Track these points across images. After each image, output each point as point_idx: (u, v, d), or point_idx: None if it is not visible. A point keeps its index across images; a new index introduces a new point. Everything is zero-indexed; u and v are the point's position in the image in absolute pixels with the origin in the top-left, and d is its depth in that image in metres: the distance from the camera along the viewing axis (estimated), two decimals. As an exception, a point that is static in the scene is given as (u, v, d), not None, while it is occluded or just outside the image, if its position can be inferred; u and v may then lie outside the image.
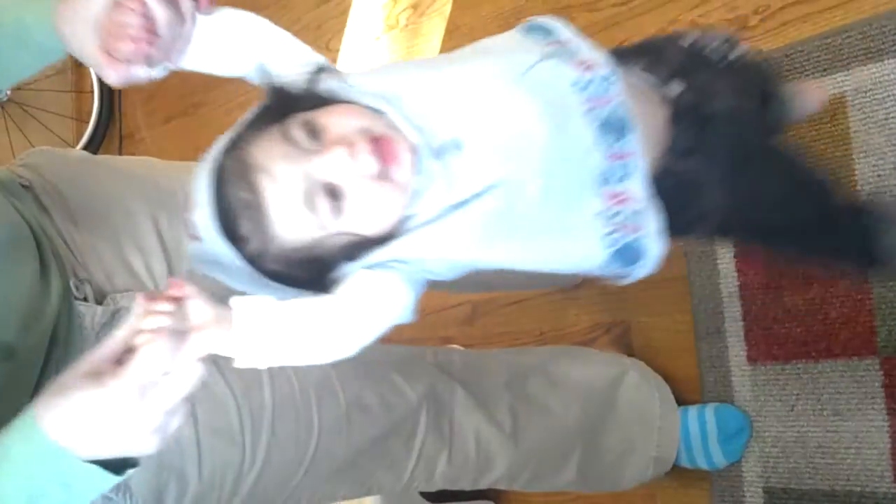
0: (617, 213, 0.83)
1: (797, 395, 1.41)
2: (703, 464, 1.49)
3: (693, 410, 1.50)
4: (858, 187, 1.34)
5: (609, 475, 1.46)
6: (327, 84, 0.81)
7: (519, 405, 1.35)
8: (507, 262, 0.84)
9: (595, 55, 0.85)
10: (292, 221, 0.76)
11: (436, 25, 2.08)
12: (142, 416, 0.71)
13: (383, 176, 0.75)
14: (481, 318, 1.93)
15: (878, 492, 1.33)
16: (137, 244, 1.09)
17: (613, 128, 0.82)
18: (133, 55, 0.80)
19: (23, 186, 1.04)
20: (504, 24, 1.91)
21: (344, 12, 2.34)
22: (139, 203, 1.11)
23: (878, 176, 1.32)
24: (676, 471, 1.51)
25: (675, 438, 1.49)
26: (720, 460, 1.48)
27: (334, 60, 2.36)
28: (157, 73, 0.83)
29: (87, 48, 0.82)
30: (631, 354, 1.63)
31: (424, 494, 1.70)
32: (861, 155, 1.33)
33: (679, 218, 0.88)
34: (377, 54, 2.23)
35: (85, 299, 1.01)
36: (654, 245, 0.85)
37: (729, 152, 0.92)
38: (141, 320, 0.71)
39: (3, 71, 0.90)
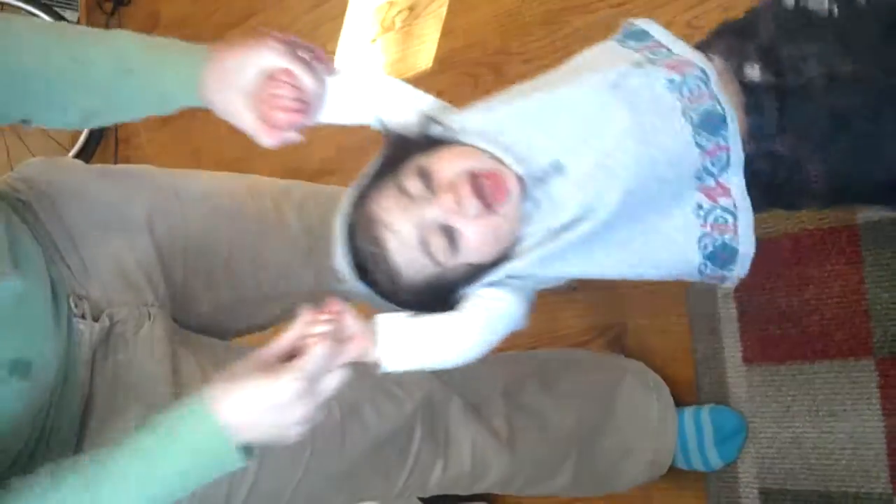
0: (713, 209, 0.90)
1: (793, 395, 1.41)
2: (698, 465, 1.49)
3: (689, 412, 1.50)
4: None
5: (604, 479, 1.46)
6: (436, 128, 0.91)
7: (515, 414, 1.35)
8: (609, 272, 0.93)
9: (687, 53, 0.91)
10: (413, 264, 0.88)
11: (431, 28, 2.08)
12: (303, 408, 0.84)
13: (490, 211, 0.85)
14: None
15: (873, 493, 1.33)
16: (135, 256, 1.09)
17: (711, 123, 0.88)
18: (288, 124, 0.89)
19: (20, 201, 1.04)
20: (499, 27, 1.91)
21: (340, 15, 2.34)
22: (136, 214, 1.11)
23: None
24: (672, 472, 1.51)
25: (672, 442, 1.49)
26: (716, 462, 1.48)
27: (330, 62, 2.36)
28: (298, 135, 0.92)
29: (242, 116, 0.91)
30: (627, 356, 1.63)
31: (423, 500, 1.70)
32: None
33: (781, 196, 0.95)
34: (373, 57, 2.24)
35: (83, 316, 1.01)
36: (747, 244, 0.91)
37: (822, 122, 0.92)
38: (308, 328, 0.84)
39: (126, 113, 0.98)
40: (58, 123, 0.98)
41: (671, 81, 0.88)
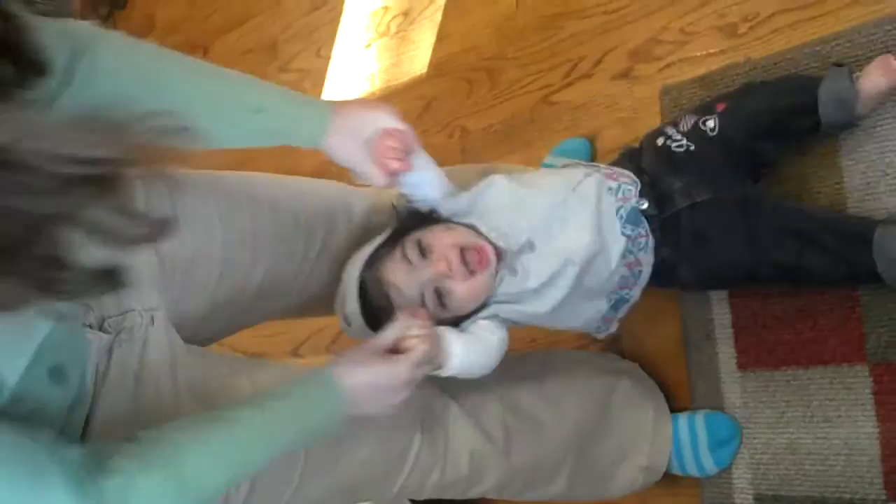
0: (628, 275, 1.23)
1: (787, 401, 1.41)
2: (693, 471, 1.49)
3: (683, 418, 1.50)
4: (847, 195, 1.34)
5: (599, 485, 1.45)
6: (437, 210, 1.20)
7: (512, 420, 1.35)
8: (539, 322, 1.25)
9: (618, 169, 1.25)
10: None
11: (426, 33, 2.08)
12: (405, 392, 1.07)
13: (473, 276, 1.13)
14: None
15: (867, 499, 1.33)
16: (137, 259, 1.08)
17: (635, 217, 1.21)
18: (399, 168, 1.11)
19: None
20: (494, 33, 1.91)
21: (335, 19, 2.34)
22: None
23: (867, 183, 1.32)
24: (667, 478, 1.50)
25: (666, 448, 1.49)
26: (710, 468, 1.48)
27: (325, 67, 2.36)
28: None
29: (362, 161, 1.11)
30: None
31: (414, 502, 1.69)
32: (850, 162, 1.34)
33: (669, 281, 1.29)
34: (368, 61, 2.24)
35: (90, 326, 1.01)
36: (636, 295, 1.28)
37: (687, 239, 1.24)
38: (408, 328, 1.08)
39: (231, 143, 1.11)
40: None
41: (609, 188, 1.21)
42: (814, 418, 1.39)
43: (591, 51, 1.72)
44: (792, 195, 1.37)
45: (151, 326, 1.06)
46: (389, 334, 1.08)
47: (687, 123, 1.28)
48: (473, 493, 1.36)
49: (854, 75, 1.24)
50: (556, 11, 1.79)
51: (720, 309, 1.48)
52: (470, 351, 1.15)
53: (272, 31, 2.56)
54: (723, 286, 1.43)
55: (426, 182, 1.19)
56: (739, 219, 1.22)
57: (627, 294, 1.26)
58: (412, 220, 1.20)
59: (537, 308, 1.19)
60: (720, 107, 1.27)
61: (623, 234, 1.20)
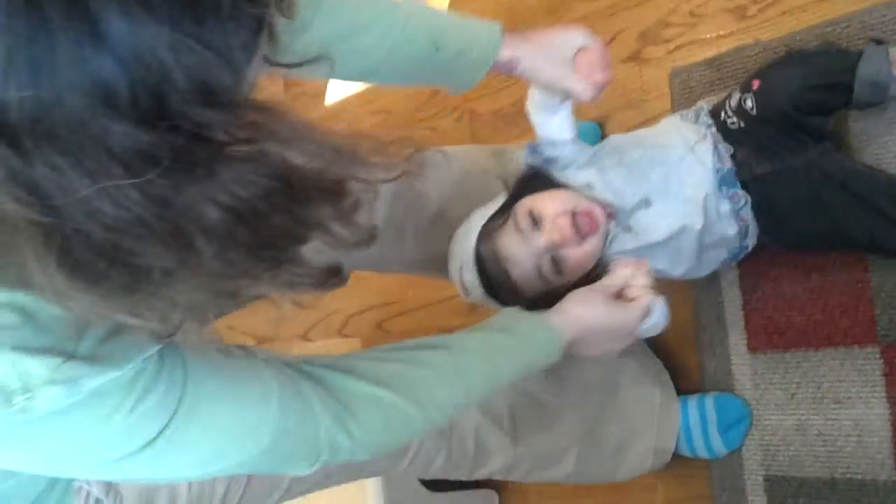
0: (739, 229, 1.28)
1: (797, 383, 1.42)
2: (703, 453, 1.49)
3: (693, 400, 1.51)
4: None
5: (607, 467, 1.46)
6: (556, 165, 1.26)
7: (518, 403, 1.36)
8: (674, 274, 1.29)
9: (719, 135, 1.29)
10: (534, 285, 1.18)
11: (435, 16, 2.07)
12: (631, 338, 1.14)
13: (585, 240, 1.16)
14: (477, 311, 1.93)
15: (878, 480, 1.33)
16: None
17: (729, 180, 1.26)
18: (607, 79, 1.20)
19: None
20: (504, 15, 1.91)
21: (343, 3, 2.33)
22: None
23: (878, 163, 1.32)
24: (676, 459, 1.51)
25: (674, 430, 1.49)
26: (720, 449, 1.48)
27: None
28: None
29: (563, 78, 1.20)
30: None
31: (425, 483, 1.71)
32: (863, 143, 1.33)
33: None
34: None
35: None
36: (751, 245, 1.33)
37: (763, 209, 1.27)
38: (635, 278, 1.12)
39: (404, 81, 1.27)
40: (334, 75, 1.23)
41: (716, 148, 1.26)
42: (824, 400, 1.39)
43: (600, 33, 1.69)
44: (857, 151, 1.34)
45: None
46: (616, 281, 1.12)
47: (734, 101, 1.29)
48: (480, 475, 1.36)
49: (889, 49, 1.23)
50: (566, -7, 1.78)
51: (730, 291, 1.48)
52: (659, 310, 1.17)
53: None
54: (808, 248, 1.38)
55: (563, 119, 1.27)
56: (805, 190, 1.24)
57: (745, 243, 1.31)
58: (523, 186, 1.23)
59: (657, 263, 1.23)
60: (755, 84, 1.27)
61: (723, 192, 1.26)
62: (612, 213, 1.21)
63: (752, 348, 1.46)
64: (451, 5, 2.04)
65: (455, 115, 2.02)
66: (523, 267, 1.17)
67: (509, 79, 1.89)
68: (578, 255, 1.16)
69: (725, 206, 1.25)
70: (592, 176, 1.24)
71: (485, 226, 1.21)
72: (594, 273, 1.18)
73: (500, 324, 1.08)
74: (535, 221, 1.16)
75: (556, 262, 1.16)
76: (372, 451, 0.92)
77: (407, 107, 2.14)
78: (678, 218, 1.23)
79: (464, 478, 1.37)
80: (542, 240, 1.15)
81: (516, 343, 1.05)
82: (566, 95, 1.23)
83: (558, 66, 1.19)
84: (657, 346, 1.58)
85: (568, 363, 1.44)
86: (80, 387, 0.66)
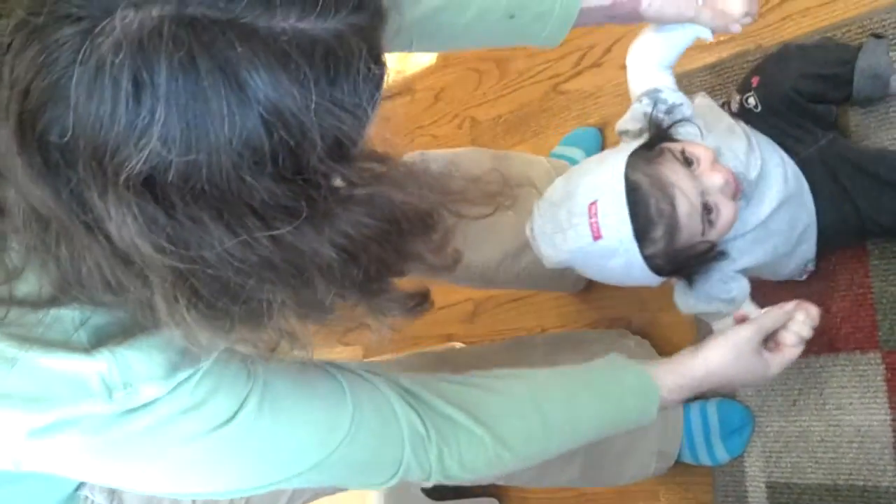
0: None
1: (799, 389, 1.41)
2: (705, 459, 1.49)
3: (695, 406, 1.50)
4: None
5: (611, 471, 1.46)
6: (680, 127, 1.13)
7: None
8: (769, 267, 1.24)
9: None
10: (692, 229, 1.04)
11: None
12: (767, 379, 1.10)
13: (734, 197, 1.06)
14: (482, 315, 1.94)
15: (880, 486, 1.33)
16: None
17: None
18: (743, 15, 1.12)
19: None
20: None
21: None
22: None
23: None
24: (679, 466, 1.51)
25: (677, 435, 1.49)
26: (723, 456, 1.48)
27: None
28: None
29: (701, 14, 1.11)
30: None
31: (426, 492, 1.70)
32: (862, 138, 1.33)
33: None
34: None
35: None
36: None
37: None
38: (797, 325, 1.07)
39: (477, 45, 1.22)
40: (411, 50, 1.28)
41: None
42: (826, 406, 1.39)
43: (601, 40, 1.72)
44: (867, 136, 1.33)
45: None
46: (772, 320, 1.08)
47: (734, 104, 1.27)
48: (484, 480, 1.36)
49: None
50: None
51: (732, 297, 1.48)
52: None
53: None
54: (836, 246, 1.33)
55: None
56: (824, 176, 1.22)
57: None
58: (662, 131, 1.13)
59: (760, 248, 1.18)
60: (755, 81, 1.26)
61: None
62: (740, 186, 1.10)
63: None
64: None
65: (455, 123, 2.03)
66: (691, 200, 1.02)
67: (509, 85, 1.90)
68: (731, 211, 1.05)
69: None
70: (715, 141, 1.13)
71: (635, 157, 1.05)
72: (712, 253, 1.10)
73: (599, 366, 1.07)
74: (690, 162, 1.05)
75: (710, 211, 1.04)
76: (451, 477, 0.93)
77: (406, 114, 2.14)
78: (778, 192, 1.17)
79: (467, 483, 1.36)
80: (710, 179, 1.03)
81: (606, 390, 1.04)
82: (689, 38, 1.16)
83: (688, 3, 1.11)
84: (660, 349, 1.58)
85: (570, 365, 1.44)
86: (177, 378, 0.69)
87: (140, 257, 0.55)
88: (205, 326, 0.60)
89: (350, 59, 0.56)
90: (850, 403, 1.36)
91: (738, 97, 1.28)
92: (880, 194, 1.20)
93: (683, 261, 1.08)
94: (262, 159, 0.54)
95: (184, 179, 0.53)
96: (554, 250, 1.09)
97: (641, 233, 1.02)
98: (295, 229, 0.57)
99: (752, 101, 1.25)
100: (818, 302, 1.36)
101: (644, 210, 1.02)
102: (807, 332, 1.07)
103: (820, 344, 1.37)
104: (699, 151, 1.05)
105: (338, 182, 0.58)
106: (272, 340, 0.65)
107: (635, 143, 1.08)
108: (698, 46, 1.55)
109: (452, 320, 1.98)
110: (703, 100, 1.28)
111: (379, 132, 0.63)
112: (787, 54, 1.29)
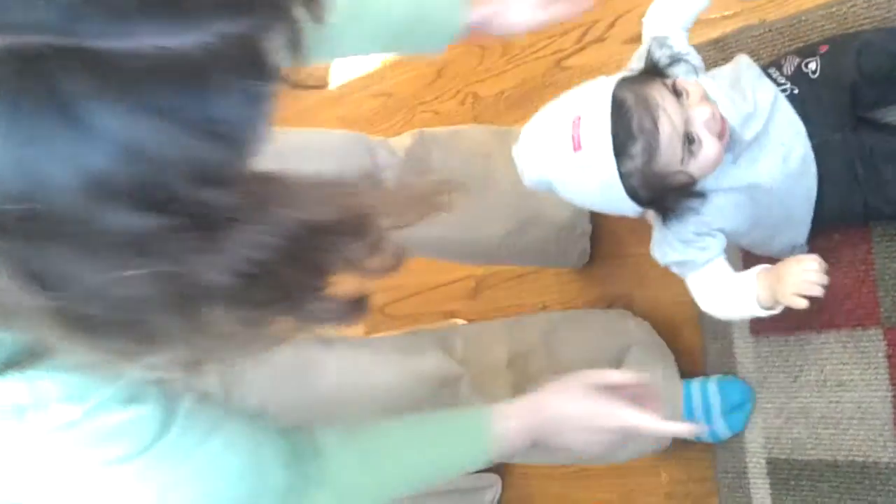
0: None
1: (800, 366, 1.41)
2: (706, 436, 1.49)
3: (696, 383, 1.50)
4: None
5: (608, 449, 1.46)
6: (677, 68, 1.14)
7: (521, 384, 1.35)
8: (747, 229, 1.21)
9: None
10: (671, 153, 1.03)
11: None
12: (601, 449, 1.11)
13: (719, 139, 1.06)
14: (484, 292, 1.93)
15: (880, 462, 1.33)
16: None
17: None
18: None
19: None
20: None
21: None
22: None
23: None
24: (680, 443, 1.51)
25: (677, 413, 1.49)
26: (724, 432, 1.48)
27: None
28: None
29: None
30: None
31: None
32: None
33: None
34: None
35: None
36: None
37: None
38: (644, 388, 1.10)
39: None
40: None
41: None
42: (827, 382, 1.39)
43: (604, 15, 1.70)
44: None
45: None
46: (602, 378, 1.09)
47: (791, 66, 1.24)
48: None
49: None
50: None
51: (733, 274, 1.48)
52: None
53: None
54: (839, 223, 1.33)
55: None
56: (840, 165, 1.20)
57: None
58: (657, 68, 1.14)
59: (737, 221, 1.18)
60: (823, 48, 1.23)
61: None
62: (726, 128, 1.10)
63: (756, 331, 1.46)
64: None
65: (458, 98, 2.02)
66: (674, 123, 1.04)
67: (512, 61, 1.89)
68: (714, 148, 1.06)
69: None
70: (714, 89, 1.14)
71: (626, 80, 1.08)
72: (689, 188, 1.11)
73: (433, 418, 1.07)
74: (680, 95, 1.06)
75: (692, 142, 1.06)
76: None
77: (409, 90, 2.13)
78: (776, 165, 1.17)
79: None
80: (698, 109, 1.05)
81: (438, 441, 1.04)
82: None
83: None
84: (661, 327, 1.58)
85: (571, 345, 1.45)
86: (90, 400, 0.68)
87: (9, 295, 0.52)
88: (99, 354, 0.57)
89: (223, 76, 0.49)
90: (851, 380, 1.36)
91: (796, 59, 1.24)
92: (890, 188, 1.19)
93: (660, 189, 1.07)
94: (117, 191, 0.49)
95: (33, 222, 0.49)
96: (534, 164, 1.10)
97: (620, 147, 1.02)
98: (176, 260, 0.52)
99: (812, 65, 1.22)
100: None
101: (626, 123, 1.03)
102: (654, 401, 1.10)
103: (821, 320, 1.37)
104: (690, 85, 1.06)
105: (222, 209, 0.53)
106: (185, 362, 0.62)
107: (626, 72, 1.11)
108: (701, 22, 1.54)
109: (455, 297, 1.97)
110: (742, 57, 1.26)
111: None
112: (864, 33, 1.27)
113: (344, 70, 2.32)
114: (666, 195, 1.10)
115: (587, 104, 1.04)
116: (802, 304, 1.08)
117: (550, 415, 1.04)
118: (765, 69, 1.25)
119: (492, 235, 1.47)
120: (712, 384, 1.48)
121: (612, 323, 1.58)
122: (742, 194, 1.16)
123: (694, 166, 1.07)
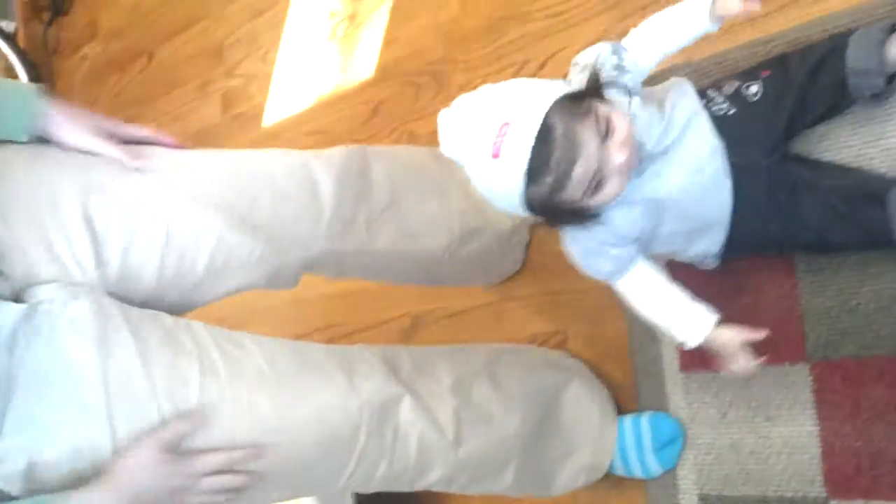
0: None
1: (730, 401, 1.42)
2: (638, 472, 1.49)
3: (628, 420, 1.50)
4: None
5: (542, 481, 1.46)
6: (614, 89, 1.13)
7: (463, 411, 1.34)
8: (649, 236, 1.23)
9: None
10: (577, 191, 1.06)
11: (373, 36, 2.07)
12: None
13: (627, 174, 1.09)
14: (421, 331, 1.92)
15: (808, 497, 1.34)
16: (64, 233, 1.07)
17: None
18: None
19: None
20: (440, 36, 1.91)
21: (280, 24, 2.32)
22: (67, 189, 1.09)
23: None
24: (612, 479, 1.51)
25: (610, 448, 1.49)
26: (655, 468, 1.48)
27: (271, 72, 2.34)
28: None
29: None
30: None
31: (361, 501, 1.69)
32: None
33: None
34: (314, 66, 2.22)
35: (1, 297, 0.99)
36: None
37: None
38: (229, 463, 1.07)
39: None
40: None
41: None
42: (756, 418, 1.40)
43: (536, 54, 1.73)
44: (820, 152, 1.32)
45: (75, 300, 1.04)
46: (176, 431, 1.03)
47: (731, 87, 1.26)
48: (420, 486, 1.34)
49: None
50: (501, 15, 1.79)
51: (664, 310, 1.49)
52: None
53: (217, 36, 2.53)
54: (748, 253, 1.35)
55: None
56: (761, 188, 1.22)
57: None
58: (599, 86, 1.12)
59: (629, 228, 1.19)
60: (765, 73, 1.25)
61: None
62: (635, 164, 1.13)
63: (685, 367, 1.46)
64: (387, 32, 2.04)
65: (394, 137, 2.02)
66: (589, 166, 1.05)
67: (447, 99, 1.89)
68: (614, 187, 1.09)
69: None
70: (638, 107, 1.16)
71: (562, 103, 1.06)
72: (583, 214, 1.13)
73: None
74: (607, 133, 1.06)
75: (599, 184, 1.07)
76: None
77: (344, 128, 2.13)
78: (684, 177, 1.19)
79: (404, 489, 1.35)
80: (613, 156, 1.06)
81: None
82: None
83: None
84: (596, 362, 1.59)
85: (513, 374, 1.44)
86: None
87: None
88: None
89: None
90: (780, 415, 1.37)
91: (737, 82, 1.26)
92: (812, 213, 1.20)
93: (556, 212, 1.10)
94: None
95: None
96: (454, 143, 1.11)
97: (533, 173, 1.04)
98: None
99: (754, 88, 1.24)
100: (746, 314, 1.38)
101: (545, 155, 1.04)
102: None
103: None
104: (620, 125, 1.07)
105: None
106: None
107: (570, 88, 1.09)
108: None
109: (391, 336, 1.96)
110: (676, 78, 1.29)
111: None
112: (792, 56, 1.28)
113: (277, 108, 2.31)
114: (562, 216, 1.13)
115: (519, 115, 1.04)
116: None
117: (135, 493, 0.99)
118: (703, 89, 1.27)
119: (436, 247, 1.47)
120: (644, 420, 1.49)
121: (554, 357, 1.59)
122: (644, 206, 1.18)
123: (594, 200, 1.09)
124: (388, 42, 2.04)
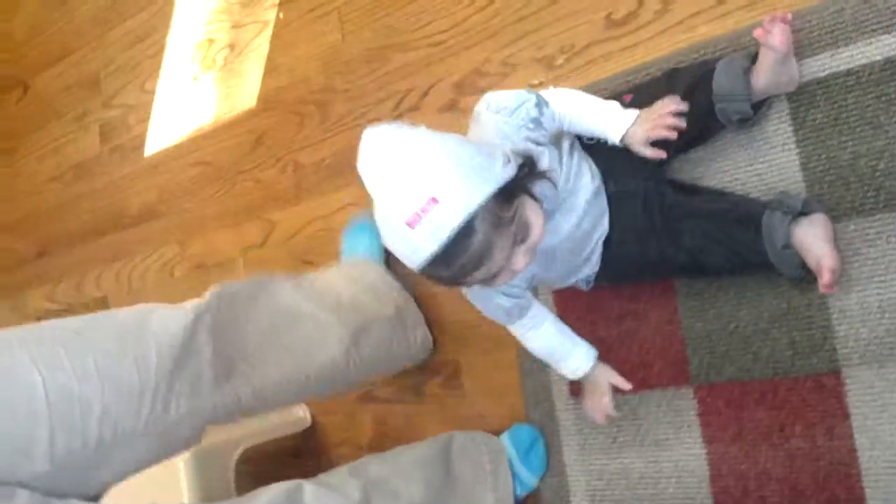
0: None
1: (619, 427, 1.43)
2: (521, 490, 1.50)
3: None
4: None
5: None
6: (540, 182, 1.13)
7: (368, 488, 1.31)
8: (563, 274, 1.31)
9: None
10: (473, 281, 1.08)
11: (254, 65, 2.03)
12: None
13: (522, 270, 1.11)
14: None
15: (697, 519, 1.35)
16: None
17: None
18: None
19: None
20: (322, 65, 1.88)
21: (159, 52, 2.26)
22: None
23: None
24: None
25: (508, 485, 1.49)
26: (530, 479, 1.50)
27: (151, 102, 2.28)
28: None
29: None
30: (462, 393, 1.64)
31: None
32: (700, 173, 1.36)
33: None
34: (195, 95, 2.16)
35: None
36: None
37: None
38: None
39: None
40: None
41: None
42: (644, 442, 1.40)
43: (418, 83, 1.71)
44: (696, 178, 1.34)
45: None
46: None
47: None
48: None
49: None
50: (382, 44, 1.77)
51: (552, 337, 1.49)
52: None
53: (94, 65, 2.45)
54: (629, 279, 1.38)
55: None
56: (637, 210, 1.25)
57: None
58: (531, 172, 1.11)
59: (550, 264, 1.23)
60: (627, 98, 1.27)
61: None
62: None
63: (574, 393, 1.47)
64: (268, 61, 2.00)
65: (279, 167, 1.98)
66: (490, 270, 1.06)
67: (331, 129, 1.87)
68: (508, 279, 1.11)
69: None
70: (554, 161, 1.19)
71: (493, 202, 1.02)
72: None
73: None
74: (523, 235, 1.07)
75: (494, 276, 1.08)
76: None
77: (228, 158, 2.08)
78: (573, 223, 1.23)
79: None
80: (520, 261, 1.08)
81: None
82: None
83: None
84: (487, 392, 1.58)
85: (398, 450, 1.43)
86: None
87: None
88: None
89: None
90: (667, 439, 1.38)
91: None
92: (689, 237, 1.22)
93: (447, 284, 1.11)
94: None
95: None
96: (375, 185, 1.06)
97: (441, 258, 1.02)
98: None
99: None
100: (630, 340, 1.39)
101: (458, 252, 1.02)
102: None
103: (635, 381, 1.39)
104: (535, 229, 1.08)
105: None
106: None
107: (507, 174, 1.04)
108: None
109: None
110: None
111: None
112: (660, 78, 1.31)
113: (158, 139, 2.24)
114: (454, 286, 1.15)
115: (449, 199, 1.00)
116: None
117: None
118: None
119: (332, 358, 1.42)
120: (504, 439, 1.52)
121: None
122: (537, 257, 1.16)
123: (489, 283, 1.11)
124: (270, 70, 2.00)
